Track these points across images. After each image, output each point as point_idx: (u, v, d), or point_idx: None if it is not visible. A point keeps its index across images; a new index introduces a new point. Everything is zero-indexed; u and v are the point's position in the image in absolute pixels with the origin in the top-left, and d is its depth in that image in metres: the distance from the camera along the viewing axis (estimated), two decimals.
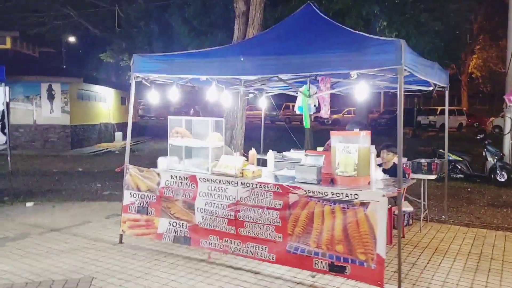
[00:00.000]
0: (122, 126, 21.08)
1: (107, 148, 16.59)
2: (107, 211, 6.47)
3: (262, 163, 5.55)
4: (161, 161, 5.20)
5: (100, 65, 28.16)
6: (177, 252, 4.62)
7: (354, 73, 3.94)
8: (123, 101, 22.05)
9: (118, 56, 25.30)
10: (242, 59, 4.19)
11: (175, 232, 4.63)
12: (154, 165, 4.99)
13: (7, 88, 7.54)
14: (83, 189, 8.46)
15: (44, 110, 14.70)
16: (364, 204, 3.64)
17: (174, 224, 4.63)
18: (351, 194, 3.72)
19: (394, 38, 4.88)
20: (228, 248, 4.32)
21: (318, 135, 13.98)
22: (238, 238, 4.26)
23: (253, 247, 4.18)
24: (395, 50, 3.53)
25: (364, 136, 4.11)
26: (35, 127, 14.68)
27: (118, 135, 19.80)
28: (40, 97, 14.59)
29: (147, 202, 4.79)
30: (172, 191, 4.66)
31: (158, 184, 4.74)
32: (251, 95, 7.13)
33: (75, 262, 4.28)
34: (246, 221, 4.21)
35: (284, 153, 5.68)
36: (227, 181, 4.38)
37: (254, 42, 4.97)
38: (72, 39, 26.81)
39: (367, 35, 3.95)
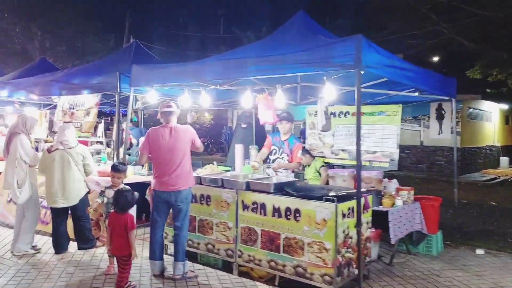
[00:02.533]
0: (506, 150, 17.76)
1: (499, 176, 13.94)
2: None
3: None
4: None
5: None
6: None
7: None
8: (507, 120, 18.67)
9: (488, 70, 21.92)
10: None
11: None
12: None
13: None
14: None
15: (432, 131, 13.85)
16: None
17: None
18: None
19: None
20: None
21: None
22: None
23: None
24: None
25: None
26: (421, 149, 14.09)
27: (504, 160, 16.69)
28: (429, 117, 13.84)
29: None
30: None
31: None
32: None
33: None
34: None
35: None
36: None
37: None
38: (436, 58, 25.87)
39: None
